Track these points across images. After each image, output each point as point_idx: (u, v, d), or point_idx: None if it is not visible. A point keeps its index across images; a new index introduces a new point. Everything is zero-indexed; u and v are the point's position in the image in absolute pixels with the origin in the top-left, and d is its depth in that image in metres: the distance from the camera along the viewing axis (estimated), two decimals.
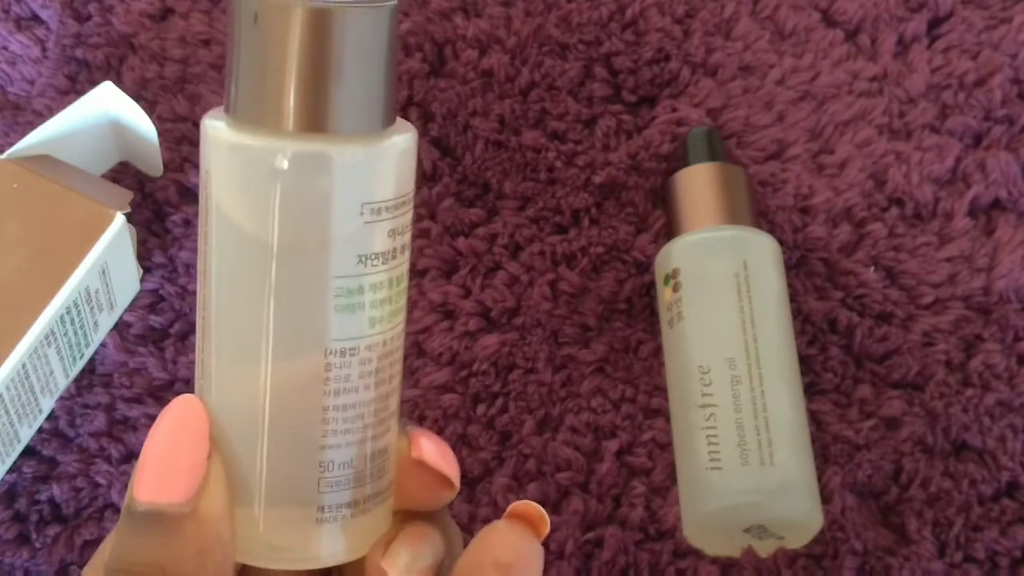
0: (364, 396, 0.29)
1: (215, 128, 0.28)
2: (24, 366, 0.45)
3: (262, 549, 0.29)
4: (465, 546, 0.30)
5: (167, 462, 0.28)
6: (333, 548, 0.29)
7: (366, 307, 0.28)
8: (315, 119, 0.27)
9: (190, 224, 0.52)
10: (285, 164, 0.27)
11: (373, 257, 0.28)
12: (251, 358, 0.28)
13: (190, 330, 0.50)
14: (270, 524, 0.29)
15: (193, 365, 0.49)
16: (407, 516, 0.31)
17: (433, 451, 0.30)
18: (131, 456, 0.48)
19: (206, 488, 0.28)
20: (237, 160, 0.27)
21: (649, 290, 0.51)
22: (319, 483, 0.29)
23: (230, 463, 0.29)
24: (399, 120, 0.28)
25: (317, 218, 0.27)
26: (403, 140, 0.28)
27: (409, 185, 0.28)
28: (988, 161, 0.53)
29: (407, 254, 0.29)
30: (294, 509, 0.29)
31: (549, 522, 0.30)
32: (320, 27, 0.26)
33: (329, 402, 0.28)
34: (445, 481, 0.30)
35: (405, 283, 0.29)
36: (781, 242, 0.50)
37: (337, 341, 0.28)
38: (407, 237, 0.29)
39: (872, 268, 0.51)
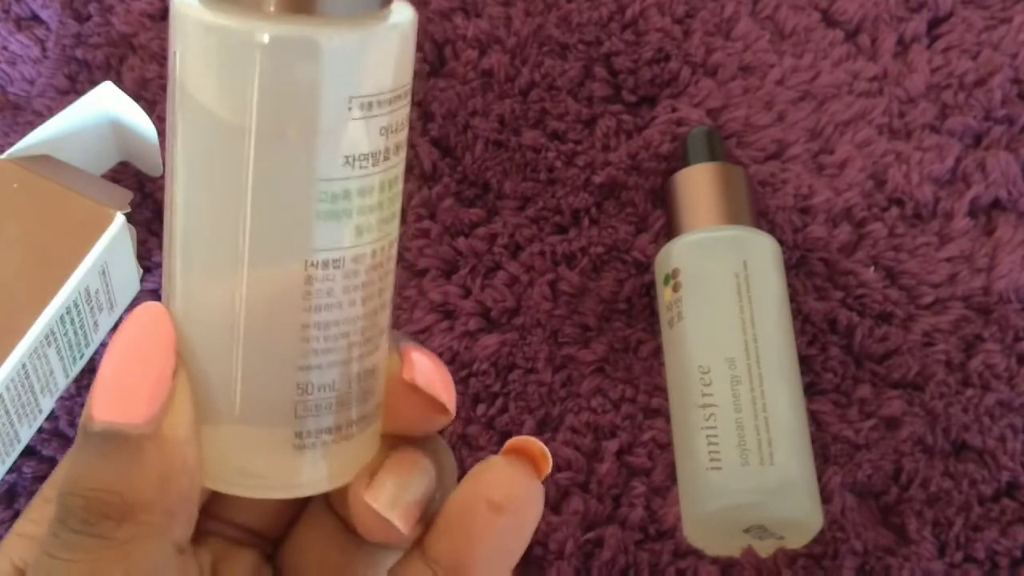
0: (349, 312, 0.25)
1: (187, 5, 0.24)
2: (24, 366, 0.45)
3: (234, 475, 0.26)
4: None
5: (128, 378, 0.25)
6: (313, 476, 0.27)
7: (353, 214, 0.25)
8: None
9: None
10: (264, 49, 0.23)
11: (362, 158, 0.24)
12: (224, 265, 0.25)
13: None
14: (243, 448, 0.26)
15: None
16: (396, 442, 0.28)
17: (426, 371, 0.27)
18: None
19: (170, 408, 0.25)
20: (211, 43, 0.24)
21: (649, 290, 0.51)
22: (298, 406, 0.26)
23: (198, 381, 0.26)
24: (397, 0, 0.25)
25: (299, 114, 0.24)
26: (402, 23, 0.24)
27: (407, 76, 0.25)
28: (988, 161, 0.53)
29: (402, 155, 0.25)
30: (270, 432, 0.26)
31: (551, 460, 0.27)
32: None
33: (310, 319, 0.25)
34: (439, 405, 0.27)
35: (399, 187, 0.26)
36: (781, 242, 0.50)
37: (320, 251, 0.25)
38: (403, 136, 0.25)
39: (872, 268, 0.51)
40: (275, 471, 0.26)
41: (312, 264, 0.25)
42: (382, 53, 0.24)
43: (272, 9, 0.23)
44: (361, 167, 0.24)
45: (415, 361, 0.27)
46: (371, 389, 0.27)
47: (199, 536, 0.27)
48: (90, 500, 0.25)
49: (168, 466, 0.25)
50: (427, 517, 0.28)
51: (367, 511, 0.27)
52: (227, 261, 0.25)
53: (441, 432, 0.29)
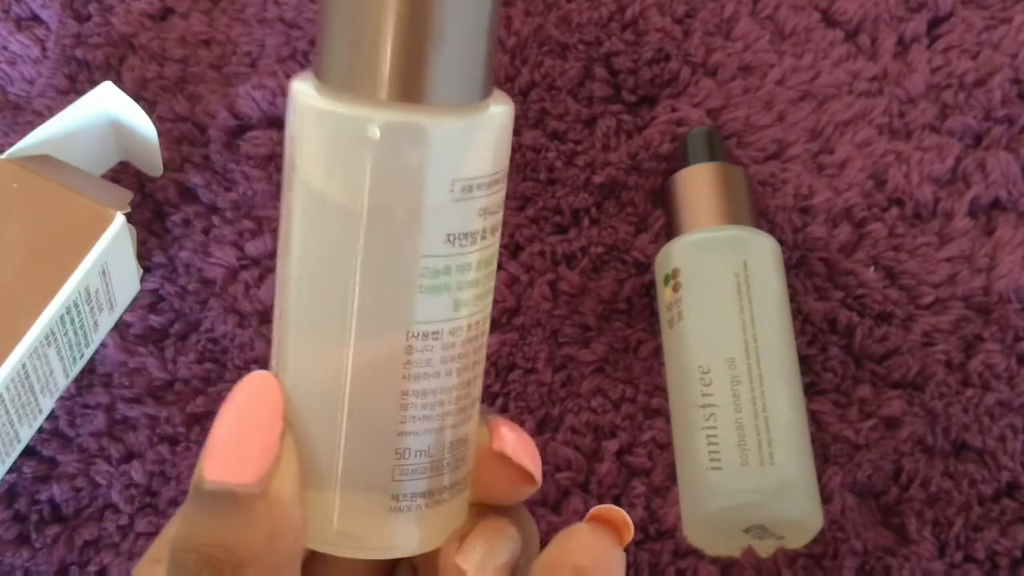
0: (445, 382, 0.27)
1: (304, 93, 0.26)
2: (24, 366, 0.45)
3: (333, 536, 0.28)
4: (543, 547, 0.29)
5: (238, 441, 0.27)
6: (407, 539, 0.28)
7: (452, 289, 0.26)
8: (410, 87, 0.25)
9: (190, 224, 0.52)
10: (377, 134, 0.25)
11: (462, 237, 0.26)
12: (332, 337, 0.27)
13: (190, 330, 0.50)
14: (343, 510, 0.28)
15: (192, 365, 0.49)
16: (483, 510, 0.29)
17: (514, 443, 0.29)
18: (131, 456, 0.48)
19: (278, 470, 0.27)
20: (326, 128, 0.25)
21: (649, 290, 0.51)
22: (395, 470, 0.27)
23: (303, 445, 0.27)
24: (496, 91, 0.27)
25: (407, 193, 0.25)
26: (501, 113, 0.26)
27: (504, 161, 0.27)
28: (988, 161, 0.53)
29: (497, 235, 0.27)
30: (368, 496, 0.28)
31: (632, 528, 0.29)
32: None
33: (409, 387, 0.27)
34: (525, 475, 0.29)
35: (494, 266, 0.28)
36: (781, 242, 0.50)
37: (420, 324, 0.26)
38: (499, 217, 0.27)
39: (872, 268, 0.51)
40: (372, 533, 0.28)
41: (413, 335, 0.26)
42: (483, 140, 0.26)
43: (384, 97, 0.25)
44: (461, 245, 0.26)
45: (504, 433, 0.29)
46: (463, 457, 0.29)
47: None
48: (202, 555, 0.26)
49: (275, 524, 0.26)
50: None
51: (457, 574, 0.28)
52: (335, 333, 0.27)
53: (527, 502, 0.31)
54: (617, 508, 0.29)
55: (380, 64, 0.25)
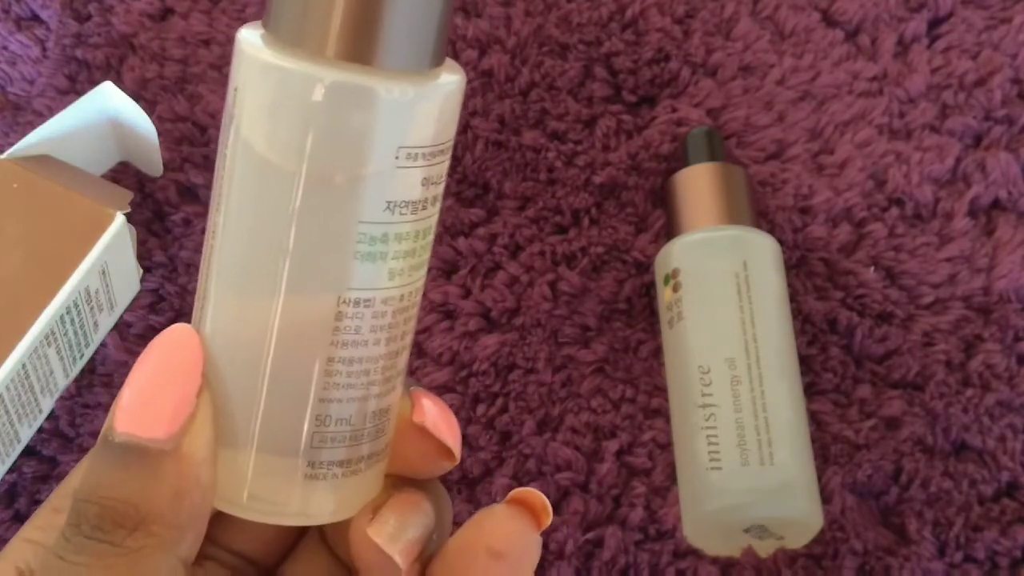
0: (373, 351, 0.27)
1: (250, 43, 0.25)
2: (24, 366, 0.45)
3: (244, 498, 0.27)
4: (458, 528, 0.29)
5: (152, 394, 0.26)
6: (320, 507, 0.28)
7: (388, 257, 0.26)
8: (361, 48, 0.24)
9: (190, 224, 0.52)
10: (322, 93, 0.24)
11: (402, 205, 0.26)
12: (260, 294, 0.26)
13: None
14: (256, 474, 0.27)
15: None
16: (399, 482, 0.29)
17: (435, 417, 0.28)
18: None
19: (191, 427, 0.26)
20: (270, 81, 0.25)
21: (649, 290, 0.51)
22: (314, 437, 0.27)
23: (221, 404, 0.26)
24: (447, 60, 0.26)
25: (349, 156, 0.25)
26: (452, 82, 0.26)
27: (451, 132, 0.26)
28: (988, 161, 0.53)
29: (438, 206, 0.27)
30: (283, 460, 0.27)
31: (551, 513, 0.29)
32: None
33: (336, 353, 0.26)
34: (444, 450, 0.29)
35: (431, 237, 0.27)
36: (781, 242, 0.50)
37: (353, 290, 0.26)
38: (440, 188, 0.26)
39: (872, 268, 0.51)
40: (284, 499, 0.27)
41: (344, 301, 0.26)
42: (432, 108, 0.25)
43: (332, 55, 0.24)
44: (401, 214, 0.26)
45: (425, 406, 0.29)
46: (383, 428, 0.28)
47: (198, 559, 0.28)
48: (105, 508, 0.25)
49: (183, 483, 0.26)
50: (423, 558, 0.28)
51: (368, 545, 0.28)
52: (263, 290, 0.26)
53: (442, 478, 0.30)
54: (536, 492, 0.28)
55: (332, 21, 0.24)
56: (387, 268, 0.26)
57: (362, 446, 0.27)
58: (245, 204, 0.26)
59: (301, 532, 0.31)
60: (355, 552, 0.28)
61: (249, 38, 0.25)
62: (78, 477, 0.27)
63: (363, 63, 0.24)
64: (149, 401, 0.26)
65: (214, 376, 0.27)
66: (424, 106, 0.25)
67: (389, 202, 0.25)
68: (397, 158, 0.25)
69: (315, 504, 0.27)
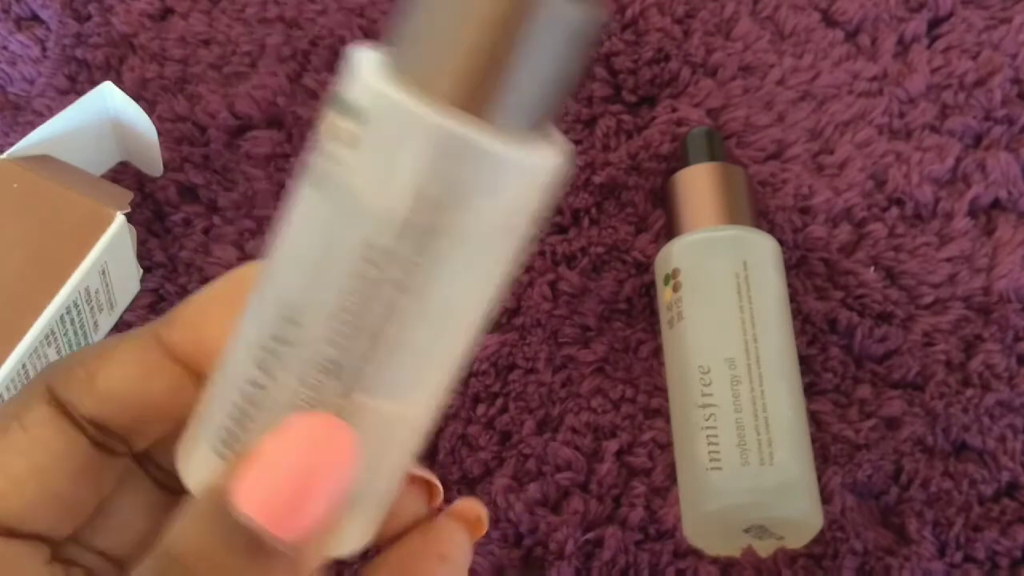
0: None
1: (368, 66, 0.24)
2: (24, 366, 0.45)
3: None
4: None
5: (294, 486, 0.23)
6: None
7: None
8: (480, 101, 0.23)
9: (190, 224, 0.52)
10: (432, 139, 0.23)
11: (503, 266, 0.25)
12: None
13: None
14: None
15: None
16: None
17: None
18: None
19: (315, 538, 0.24)
20: (383, 111, 0.23)
21: (649, 290, 0.51)
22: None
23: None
24: (553, 132, 0.25)
25: (449, 206, 0.23)
26: (553, 154, 0.25)
27: (542, 203, 0.25)
28: (988, 161, 0.53)
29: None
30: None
31: (486, 527, 0.30)
32: (527, 7, 0.23)
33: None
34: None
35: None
36: (781, 242, 0.50)
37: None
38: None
39: (872, 268, 0.51)
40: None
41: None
42: (532, 175, 0.24)
43: (451, 102, 0.23)
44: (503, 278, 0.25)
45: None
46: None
47: (67, 563, 0.27)
48: None
49: None
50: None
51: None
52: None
53: (443, 478, 0.33)
54: (475, 505, 0.30)
55: (457, 68, 0.23)
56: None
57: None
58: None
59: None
60: None
61: (369, 62, 0.24)
62: (178, 525, 0.24)
63: (478, 115, 0.24)
64: (288, 493, 0.23)
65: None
66: (524, 171, 0.24)
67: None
68: (507, 219, 0.24)
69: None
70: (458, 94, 0.23)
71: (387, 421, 0.25)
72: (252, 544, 0.23)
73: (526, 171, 0.24)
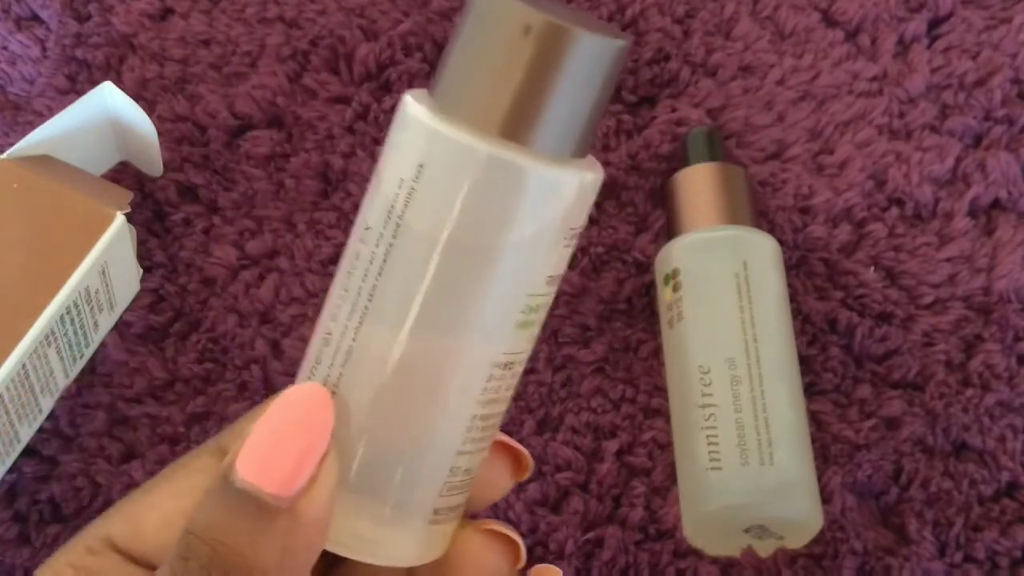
0: (500, 408, 0.29)
1: (415, 105, 0.27)
2: (24, 366, 0.45)
3: (349, 537, 0.28)
4: None
5: (280, 448, 0.27)
6: (434, 549, 0.30)
7: (534, 325, 0.28)
8: (519, 129, 0.26)
9: (190, 224, 0.52)
10: (482, 165, 0.26)
11: (555, 279, 0.28)
12: (421, 354, 0.27)
13: (190, 330, 0.50)
14: (384, 521, 0.29)
15: (192, 364, 0.49)
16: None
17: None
18: (131, 456, 0.48)
19: (312, 488, 0.27)
20: (436, 148, 0.27)
21: (649, 290, 0.51)
22: (444, 486, 0.29)
23: (346, 446, 0.28)
24: (590, 156, 0.29)
25: (516, 229, 0.27)
26: (591, 175, 0.28)
27: (584, 219, 0.28)
28: (988, 161, 0.53)
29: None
30: (413, 507, 0.29)
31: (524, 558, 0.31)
32: (556, 44, 0.26)
33: (477, 411, 0.28)
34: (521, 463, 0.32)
35: None
36: (781, 242, 0.50)
37: (506, 354, 0.28)
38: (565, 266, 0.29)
39: (872, 268, 0.51)
40: (394, 540, 0.29)
41: (497, 364, 0.28)
42: (574, 193, 0.27)
43: (495, 132, 0.26)
44: (551, 286, 0.28)
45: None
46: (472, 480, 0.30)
47: None
48: (217, 553, 0.26)
49: (294, 541, 0.27)
50: None
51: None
52: (425, 351, 0.27)
53: None
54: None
55: (498, 101, 0.26)
56: (531, 334, 0.28)
57: (464, 495, 0.30)
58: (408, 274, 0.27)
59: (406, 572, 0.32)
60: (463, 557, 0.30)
61: (416, 104, 0.27)
62: (190, 479, 0.28)
63: (519, 143, 0.26)
64: (275, 454, 0.27)
65: (345, 419, 0.28)
66: (568, 191, 0.27)
67: (550, 276, 0.28)
68: (564, 237, 0.27)
69: (431, 546, 0.29)
70: (504, 127, 0.26)
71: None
72: (251, 504, 0.26)
73: (570, 189, 0.27)
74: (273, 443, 0.27)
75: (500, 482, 0.31)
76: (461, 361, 0.27)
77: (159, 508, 0.29)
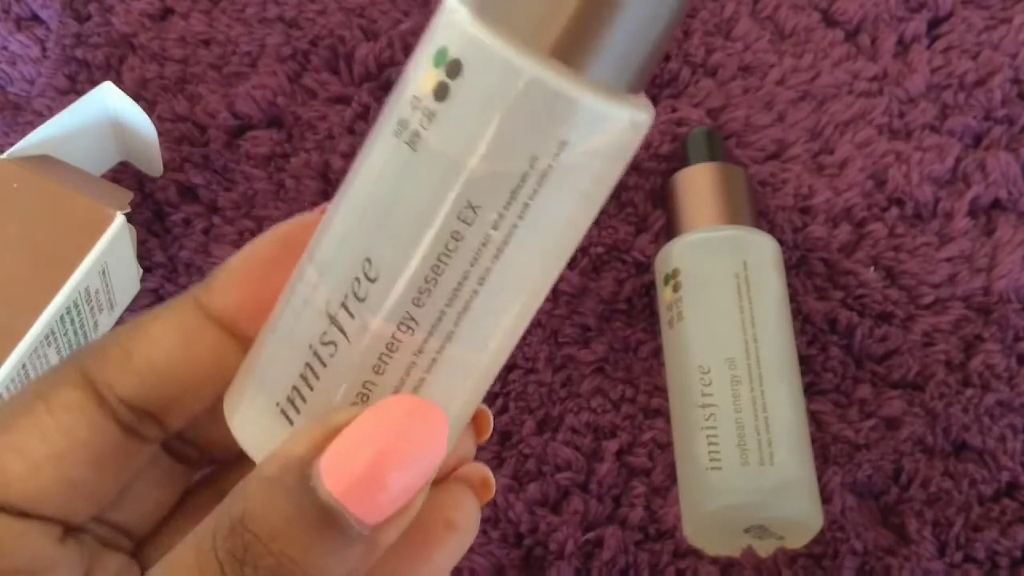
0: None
1: (459, 10, 0.23)
2: (24, 366, 0.45)
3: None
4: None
5: (381, 472, 0.23)
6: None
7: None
8: (574, 50, 0.22)
9: (190, 224, 0.52)
10: (522, 86, 0.22)
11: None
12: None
13: None
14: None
15: None
16: None
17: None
18: None
19: (398, 517, 0.23)
20: (474, 55, 0.23)
21: (649, 290, 0.51)
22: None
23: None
24: (643, 96, 0.25)
25: (539, 149, 0.23)
26: (644, 112, 0.24)
27: (628, 160, 0.25)
28: (988, 161, 0.53)
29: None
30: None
31: (493, 488, 0.28)
32: None
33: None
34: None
35: None
36: (781, 242, 0.50)
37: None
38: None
39: (872, 268, 0.51)
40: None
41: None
42: (621, 130, 0.24)
43: (545, 49, 0.23)
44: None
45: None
46: None
47: (78, 532, 0.27)
48: (282, 567, 0.23)
49: (362, 566, 0.24)
50: None
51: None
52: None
53: None
54: (482, 468, 0.28)
55: (556, 20, 0.22)
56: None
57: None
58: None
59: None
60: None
61: (463, 9, 0.23)
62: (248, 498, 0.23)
63: (572, 65, 0.23)
64: (375, 479, 0.23)
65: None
66: (615, 125, 0.23)
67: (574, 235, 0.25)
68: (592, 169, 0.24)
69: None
70: (556, 45, 0.22)
71: (466, 371, 0.25)
72: (330, 523, 0.23)
73: (619, 128, 0.23)
74: (375, 465, 0.23)
75: (464, 445, 0.28)
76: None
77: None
